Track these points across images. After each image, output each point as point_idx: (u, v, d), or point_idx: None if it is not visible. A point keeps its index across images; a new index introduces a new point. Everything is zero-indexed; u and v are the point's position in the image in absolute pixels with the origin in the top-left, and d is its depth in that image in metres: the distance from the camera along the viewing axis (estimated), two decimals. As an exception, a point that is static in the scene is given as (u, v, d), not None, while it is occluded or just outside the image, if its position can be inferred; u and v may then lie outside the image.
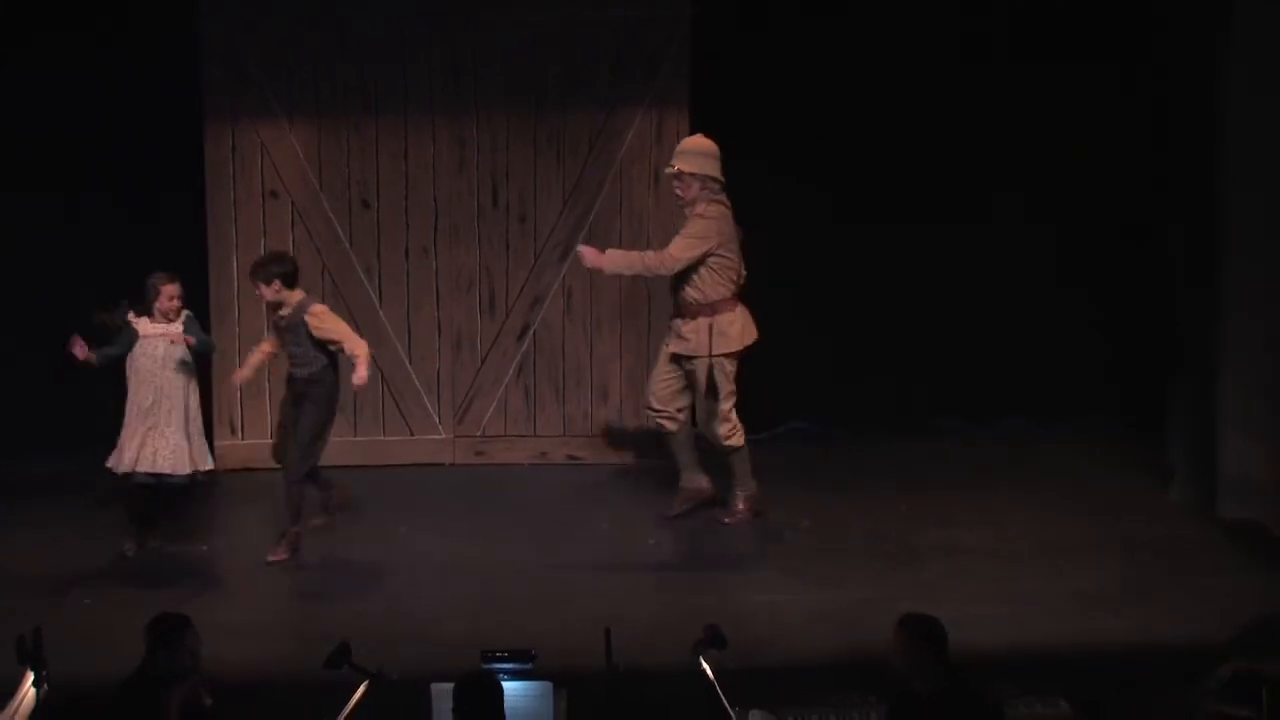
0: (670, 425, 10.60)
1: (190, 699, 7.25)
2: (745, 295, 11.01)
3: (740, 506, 10.69)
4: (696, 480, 10.73)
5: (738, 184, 11.72)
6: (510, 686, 6.95)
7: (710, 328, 10.34)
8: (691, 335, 10.38)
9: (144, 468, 9.98)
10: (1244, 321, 10.41)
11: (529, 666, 7.32)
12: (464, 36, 11.59)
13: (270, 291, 9.98)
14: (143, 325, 10.02)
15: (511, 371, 11.90)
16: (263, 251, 11.44)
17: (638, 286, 11.79)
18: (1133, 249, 11.99)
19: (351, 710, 6.99)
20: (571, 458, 11.90)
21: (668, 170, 10.47)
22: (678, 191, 10.41)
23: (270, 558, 10.13)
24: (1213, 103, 10.44)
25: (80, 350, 9.84)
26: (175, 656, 7.20)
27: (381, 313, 11.77)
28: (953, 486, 11.29)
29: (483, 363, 11.90)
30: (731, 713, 7.04)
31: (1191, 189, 10.75)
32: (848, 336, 12.15)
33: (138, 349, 10.01)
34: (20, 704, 6.96)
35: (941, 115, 11.95)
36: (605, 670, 6.97)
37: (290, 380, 10.18)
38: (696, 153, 10.38)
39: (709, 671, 7.07)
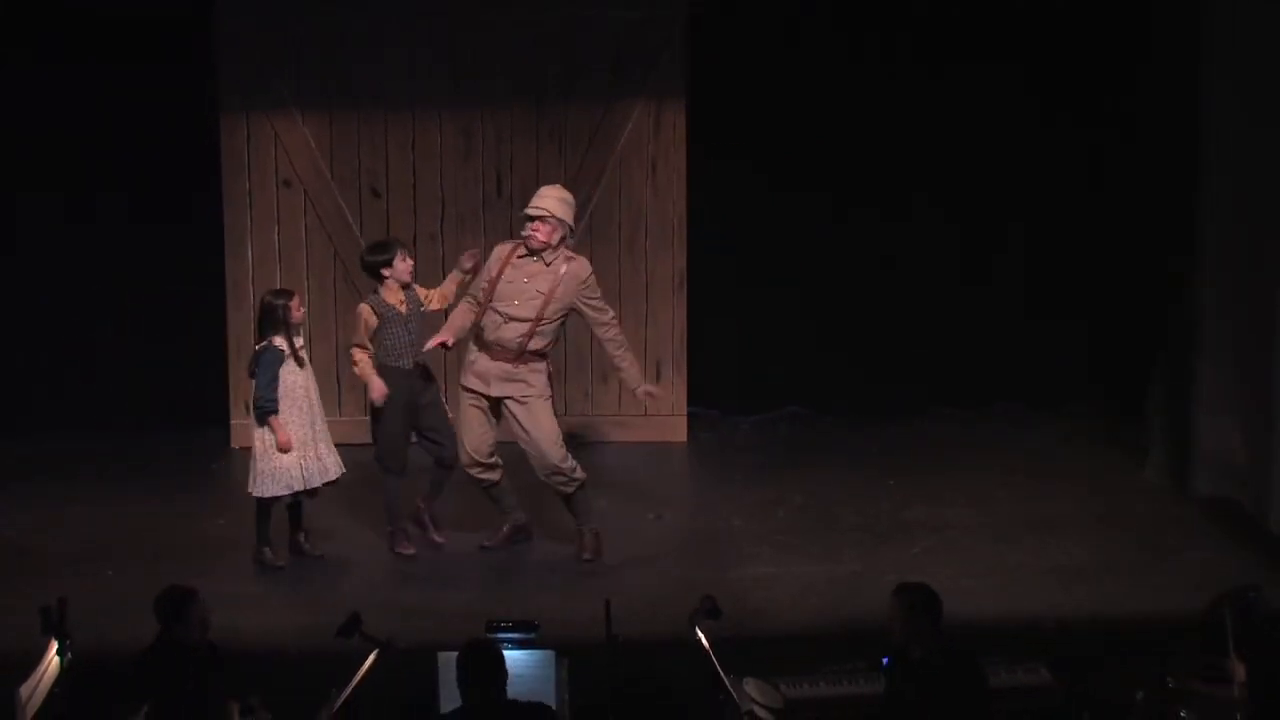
0: (494, 475, 9.97)
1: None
2: (745, 285, 11.19)
3: (588, 540, 10.05)
4: (520, 516, 10.19)
5: (734, 182, 11.97)
6: (514, 656, 7.10)
7: (546, 369, 9.87)
8: (530, 376, 9.76)
9: (316, 482, 9.78)
10: (1219, 306, 10.49)
11: (532, 636, 7.49)
12: (466, 36, 11.71)
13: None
14: (283, 344, 9.65)
15: (515, 353, 12.12)
16: (276, 236, 11.70)
17: (637, 269, 12.00)
18: (1114, 238, 12.10)
19: (362, 678, 7.09)
20: (572, 436, 12.03)
21: (528, 211, 9.73)
22: (534, 233, 9.64)
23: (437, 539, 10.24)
24: (1192, 100, 10.51)
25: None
26: (185, 628, 7.38)
27: (391, 297, 12.02)
28: (940, 467, 11.43)
29: (487, 345, 12.12)
30: (727, 681, 7.16)
31: (1170, 180, 10.86)
32: (843, 326, 12.29)
33: (284, 373, 9.64)
34: (45, 673, 7.10)
35: (934, 114, 12.06)
36: (605, 640, 7.12)
37: (410, 371, 10.01)
38: (559, 199, 9.73)
39: (705, 641, 7.18)
